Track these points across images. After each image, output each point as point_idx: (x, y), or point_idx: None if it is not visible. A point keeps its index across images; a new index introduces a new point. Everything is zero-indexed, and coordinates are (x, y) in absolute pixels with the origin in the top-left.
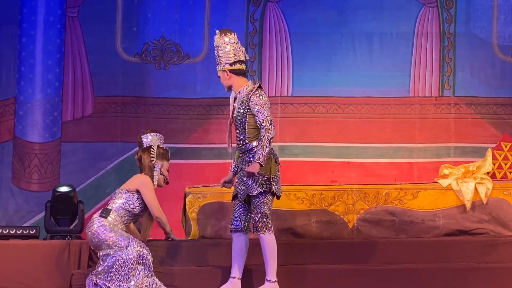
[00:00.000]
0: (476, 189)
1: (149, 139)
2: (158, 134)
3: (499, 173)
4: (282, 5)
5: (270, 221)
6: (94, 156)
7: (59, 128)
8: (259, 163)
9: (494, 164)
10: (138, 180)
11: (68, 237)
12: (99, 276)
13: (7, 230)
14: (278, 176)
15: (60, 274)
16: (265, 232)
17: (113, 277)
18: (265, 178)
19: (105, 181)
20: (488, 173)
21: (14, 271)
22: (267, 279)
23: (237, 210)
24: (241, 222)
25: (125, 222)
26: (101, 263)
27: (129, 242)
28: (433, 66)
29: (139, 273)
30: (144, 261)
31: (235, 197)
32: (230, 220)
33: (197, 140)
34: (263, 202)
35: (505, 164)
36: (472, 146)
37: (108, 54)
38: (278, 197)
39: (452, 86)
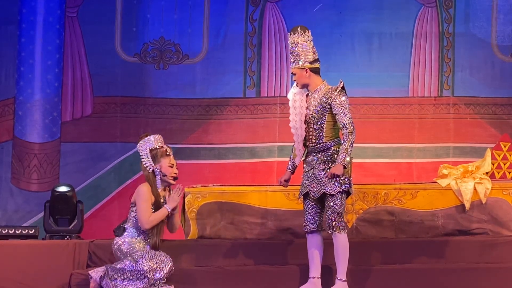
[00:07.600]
0: (475, 189)
1: (139, 148)
2: (148, 137)
3: (498, 173)
4: (281, 5)
5: (344, 221)
6: (93, 156)
7: (59, 128)
8: (343, 165)
9: (493, 164)
10: (136, 191)
11: (67, 237)
12: (113, 273)
13: (6, 230)
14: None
15: (59, 274)
16: (340, 232)
17: (125, 275)
18: (343, 178)
19: (104, 181)
20: (487, 173)
21: (13, 271)
22: (337, 278)
23: (310, 210)
24: (316, 222)
25: (143, 232)
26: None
27: (140, 258)
28: (432, 66)
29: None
30: (150, 275)
31: (305, 195)
32: (303, 220)
33: (196, 140)
34: (339, 201)
35: (504, 164)
36: (471, 146)
37: (108, 54)
38: (349, 195)
39: (451, 86)
